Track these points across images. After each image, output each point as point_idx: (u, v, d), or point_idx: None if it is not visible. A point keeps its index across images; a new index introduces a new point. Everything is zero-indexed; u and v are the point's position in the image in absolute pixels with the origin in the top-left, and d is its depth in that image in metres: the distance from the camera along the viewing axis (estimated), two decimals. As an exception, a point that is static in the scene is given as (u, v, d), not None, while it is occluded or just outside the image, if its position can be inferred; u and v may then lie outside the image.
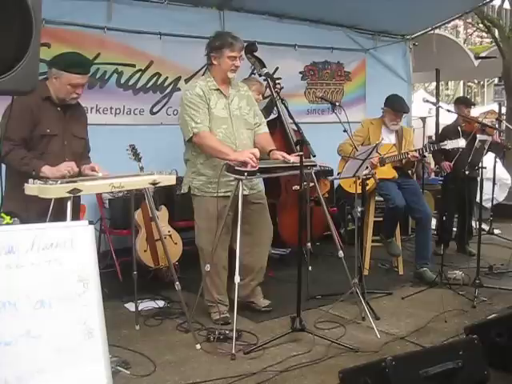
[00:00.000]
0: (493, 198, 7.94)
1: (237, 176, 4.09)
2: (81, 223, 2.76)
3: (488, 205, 7.92)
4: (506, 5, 12.08)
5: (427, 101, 6.32)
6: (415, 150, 5.66)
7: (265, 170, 4.26)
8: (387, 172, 5.68)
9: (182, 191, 4.64)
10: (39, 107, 3.81)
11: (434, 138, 11.10)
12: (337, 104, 4.75)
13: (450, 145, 5.54)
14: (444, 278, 5.43)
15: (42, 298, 2.58)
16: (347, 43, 8.04)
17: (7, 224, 2.92)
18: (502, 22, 11.92)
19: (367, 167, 4.83)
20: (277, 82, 4.69)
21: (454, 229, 7.28)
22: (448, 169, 6.46)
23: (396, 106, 5.89)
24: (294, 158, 4.30)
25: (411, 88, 9.35)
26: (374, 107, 7.33)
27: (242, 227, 4.16)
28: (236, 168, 4.06)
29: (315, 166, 4.39)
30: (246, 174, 4.04)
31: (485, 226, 7.63)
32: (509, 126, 7.73)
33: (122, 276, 5.54)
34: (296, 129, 4.95)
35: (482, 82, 30.90)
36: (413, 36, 8.69)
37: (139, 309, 4.62)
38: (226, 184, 4.36)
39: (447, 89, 31.85)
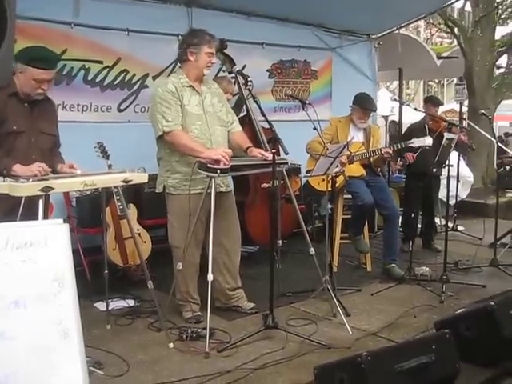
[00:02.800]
0: (457, 195, 8.08)
1: (209, 174, 4.07)
2: (55, 221, 2.72)
3: (452, 202, 8.03)
4: (468, 7, 12.22)
5: (396, 99, 6.40)
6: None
7: (237, 168, 4.26)
8: (356, 170, 5.73)
9: (157, 190, 4.58)
10: (5, 104, 3.70)
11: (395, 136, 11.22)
12: (306, 102, 4.75)
13: (417, 142, 5.63)
14: (412, 274, 5.50)
15: (17, 298, 2.53)
16: (314, 42, 8.05)
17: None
18: (464, 23, 12.08)
19: (338, 165, 4.86)
20: (248, 79, 4.67)
21: (419, 225, 7.38)
22: (411, 159, 6.46)
23: (364, 104, 5.94)
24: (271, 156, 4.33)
25: (376, 87, 9.43)
26: (340, 105, 7.38)
27: (219, 224, 4.15)
28: (209, 166, 4.05)
29: (287, 163, 4.40)
30: (218, 171, 4.03)
31: (449, 223, 7.74)
32: (472, 125, 7.84)
33: (90, 275, 5.46)
34: (265, 127, 4.97)
35: (442, 82, 31.35)
36: (378, 35, 8.76)
37: (109, 308, 4.56)
38: (203, 181, 4.33)
39: (408, 88, 32.22)
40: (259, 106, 4.38)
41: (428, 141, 5.56)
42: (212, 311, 4.15)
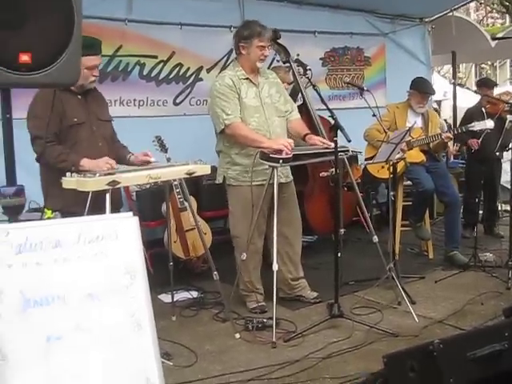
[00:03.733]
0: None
1: (271, 163, 4.05)
2: (125, 215, 2.74)
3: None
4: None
5: (459, 84, 6.24)
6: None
7: (299, 157, 4.22)
8: (416, 156, 5.62)
9: (217, 181, 4.61)
10: (60, 99, 3.75)
11: (449, 121, 11.00)
12: (365, 89, 4.69)
13: (477, 126, 5.48)
14: (477, 261, 5.38)
15: (91, 291, 2.56)
16: (366, 28, 7.95)
17: (49, 219, 2.91)
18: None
19: (399, 152, 4.78)
20: (307, 67, 4.63)
21: (480, 211, 7.22)
22: (476, 145, 6.33)
23: (422, 88, 5.85)
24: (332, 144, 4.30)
25: (431, 71, 9.24)
26: (395, 91, 7.33)
27: (280, 215, 4.15)
28: (271, 155, 4.03)
29: (348, 151, 4.34)
30: (280, 161, 4.00)
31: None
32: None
33: (152, 268, 5.53)
34: (321, 116, 4.92)
35: (494, 64, 30.58)
36: (431, 19, 8.58)
37: (174, 300, 4.59)
38: (264, 172, 4.34)
39: (459, 72, 31.54)
40: (319, 94, 4.31)
41: (489, 124, 5.41)
42: (276, 301, 4.14)
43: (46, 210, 2.86)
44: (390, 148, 4.56)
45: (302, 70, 5.06)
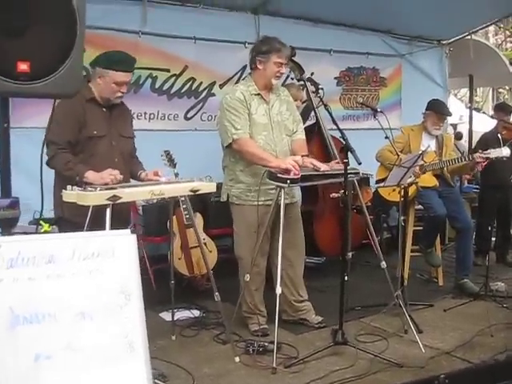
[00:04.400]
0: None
1: (279, 184, 3.94)
2: (123, 232, 2.64)
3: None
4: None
5: (475, 108, 6.14)
6: (463, 157, 5.49)
7: (307, 178, 4.12)
8: (428, 180, 5.51)
9: (221, 199, 4.52)
10: (84, 109, 3.74)
11: (465, 144, 10.84)
12: (378, 110, 4.60)
13: (493, 153, 5.34)
14: (488, 290, 5.24)
15: (83, 309, 2.47)
16: (383, 48, 7.86)
17: (45, 232, 2.82)
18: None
19: (411, 175, 4.67)
20: (319, 87, 4.54)
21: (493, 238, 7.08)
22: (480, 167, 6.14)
23: (439, 109, 5.76)
24: (324, 167, 4.20)
25: (447, 94, 9.14)
26: (410, 114, 7.20)
27: (283, 236, 4.04)
28: (278, 175, 3.92)
29: (358, 173, 4.24)
30: (288, 181, 3.90)
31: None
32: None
33: (155, 284, 5.45)
34: (335, 136, 4.82)
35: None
36: (449, 41, 8.49)
37: (175, 318, 4.48)
38: (266, 192, 4.24)
39: (476, 95, 31.39)
40: (331, 114, 4.21)
41: (506, 152, 5.29)
42: (279, 324, 4.02)
43: (42, 222, 2.77)
44: (402, 172, 4.46)
45: (313, 89, 4.96)
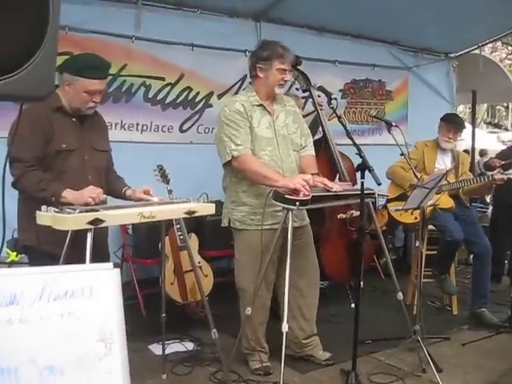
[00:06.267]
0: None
1: (287, 206, 3.45)
2: (103, 266, 2.18)
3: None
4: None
5: (495, 124, 5.77)
6: (482, 177, 5.10)
7: (319, 199, 3.64)
8: (445, 201, 5.08)
9: (222, 224, 4.03)
10: (50, 120, 3.24)
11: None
12: (393, 124, 4.17)
13: (512, 174, 4.97)
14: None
15: (52, 362, 2.01)
16: (389, 60, 7.53)
17: (12, 262, 2.37)
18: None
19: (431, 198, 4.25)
20: (332, 96, 4.08)
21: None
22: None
23: (452, 119, 5.41)
24: (336, 187, 3.71)
25: (454, 110, 8.76)
26: (416, 129, 6.96)
27: (293, 263, 3.55)
28: (286, 196, 3.43)
29: (374, 194, 3.79)
30: (297, 203, 3.41)
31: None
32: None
33: (145, 310, 5.02)
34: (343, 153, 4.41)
35: (510, 106, 30.23)
36: (457, 54, 8.13)
37: (166, 353, 4.02)
38: (273, 215, 3.78)
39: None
40: (345, 127, 3.72)
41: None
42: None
43: (9, 251, 2.31)
44: (424, 193, 4.03)
45: (321, 99, 4.55)
